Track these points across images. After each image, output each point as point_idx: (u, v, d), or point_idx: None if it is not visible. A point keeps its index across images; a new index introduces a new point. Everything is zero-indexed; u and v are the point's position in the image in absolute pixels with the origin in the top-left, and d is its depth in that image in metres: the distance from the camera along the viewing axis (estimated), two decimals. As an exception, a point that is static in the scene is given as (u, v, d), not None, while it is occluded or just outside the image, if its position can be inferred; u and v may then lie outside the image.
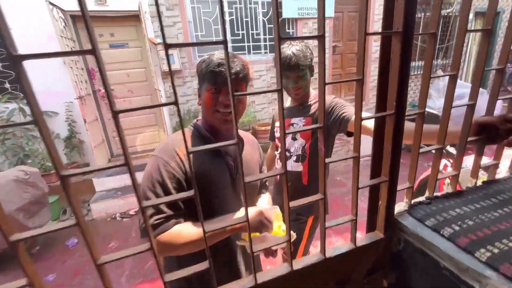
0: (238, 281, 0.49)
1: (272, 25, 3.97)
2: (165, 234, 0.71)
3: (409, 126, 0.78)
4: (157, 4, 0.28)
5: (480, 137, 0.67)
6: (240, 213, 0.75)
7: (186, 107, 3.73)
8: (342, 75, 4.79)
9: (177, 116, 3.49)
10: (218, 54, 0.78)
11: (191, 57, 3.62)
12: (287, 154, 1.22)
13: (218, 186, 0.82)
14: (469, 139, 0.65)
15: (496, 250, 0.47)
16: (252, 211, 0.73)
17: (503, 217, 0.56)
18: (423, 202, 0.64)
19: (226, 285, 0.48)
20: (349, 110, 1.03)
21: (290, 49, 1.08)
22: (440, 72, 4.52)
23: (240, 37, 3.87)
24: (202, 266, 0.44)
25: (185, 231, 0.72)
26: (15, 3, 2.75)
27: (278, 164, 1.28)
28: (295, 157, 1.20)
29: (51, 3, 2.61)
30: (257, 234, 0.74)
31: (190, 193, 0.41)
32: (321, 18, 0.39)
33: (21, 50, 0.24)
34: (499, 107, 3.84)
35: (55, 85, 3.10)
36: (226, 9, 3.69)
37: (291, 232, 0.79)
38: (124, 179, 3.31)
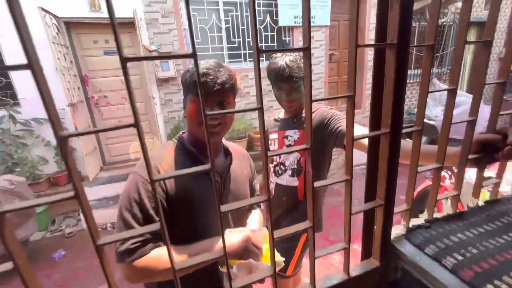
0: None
1: (268, 33, 3.97)
2: (142, 259, 0.65)
3: (405, 145, 0.74)
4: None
5: (480, 155, 0.62)
6: (227, 238, 0.69)
7: (181, 115, 3.68)
8: (339, 82, 4.80)
9: (172, 123, 3.42)
10: (203, 64, 0.74)
11: (187, 64, 3.59)
12: (282, 167, 1.17)
13: (202, 205, 0.76)
14: (470, 156, 0.61)
15: (504, 287, 0.42)
16: (238, 238, 0.67)
17: (509, 244, 0.51)
18: (422, 225, 0.59)
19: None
20: (345, 123, 0.99)
21: (283, 59, 1.05)
22: (435, 81, 4.54)
23: (236, 45, 3.87)
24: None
25: (165, 256, 0.66)
26: (5, 9, 2.71)
27: (272, 178, 1.23)
28: (290, 171, 1.15)
29: (43, 10, 2.57)
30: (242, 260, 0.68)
31: (156, 226, 0.35)
32: (306, 28, 0.35)
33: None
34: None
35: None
36: (222, 17, 3.69)
37: (279, 259, 0.74)
38: (116, 188, 3.23)
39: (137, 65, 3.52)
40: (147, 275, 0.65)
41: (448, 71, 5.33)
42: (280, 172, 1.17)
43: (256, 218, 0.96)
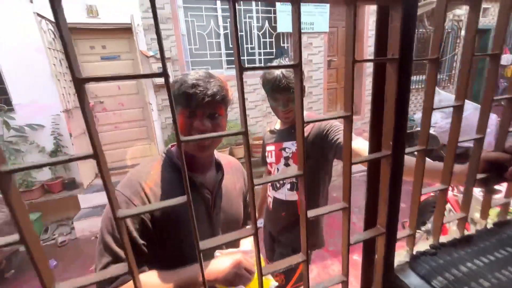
0: None
1: (266, 39, 3.96)
2: (124, 286, 0.60)
3: (406, 160, 0.70)
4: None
5: (488, 175, 0.58)
6: (216, 262, 0.64)
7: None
8: (338, 89, 4.78)
9: (169, 130, 3.37)
10: (193, 74, 0.69)
11: (185, 70, 3.57)
12: (280, 181, 1.12)
13: (191, 224, 0.71)
14: (478, 176, 0.56)
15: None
16: (227, 263, 0.62)
17: (524, 277, 0.47)
18: (428, 252, 0.54)
19: None
20: (342, 134, 0.95)
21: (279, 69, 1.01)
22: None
23: (235, 51, 3.85)
24: None
25: (150, 283, 0.61)
26: (1, 14, 2.70)
27: (270, 192, 1.18)
28: (289, 185, 1.10)
29: (39, 15, 2.55)
30: None
31: (122, 270, 0.31)
32: (297, 43, 0.31)
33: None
34: (494, 122, 3.82)
35: (42, 97, 3.00)
36: (221, 23, 3.68)
37: (273, 283, 0.69)
38: (111, 195, 3.16)
39: (134, 70, 3.50)
40: None
41: (447, 77, 5.33)
42: (278, 185, 1.13)
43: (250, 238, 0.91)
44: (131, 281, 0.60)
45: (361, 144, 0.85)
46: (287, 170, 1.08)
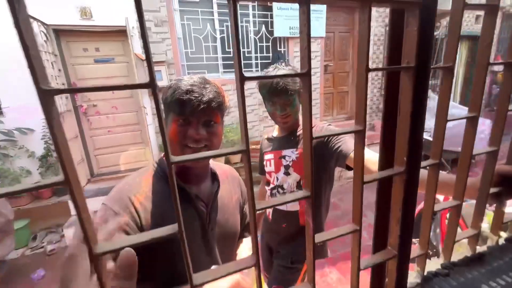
0: None
1: (263, 44, 3.95)
2: None
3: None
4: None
5: (501, 189, 0.55)
6: (212, 284, 0.59)
7: (173, 125, 3.59)
8: (334, 93, 4.79)
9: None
10: (187, 79, 0.65)
11: (180, 74, 3.52)
12: (280, 191, 1.07)
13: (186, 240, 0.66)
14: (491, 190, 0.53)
15: None
16: (225, 284, 0.57)
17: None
18: (440, 273, 0.51)
19: None
20: (346, 143, 0.91)
21: (276, 72, 0.98)
22: (430, 93, 4.56)
23: (231, 55, 3.82)
24: None
25: None
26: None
27: (269, 200, 1.13)
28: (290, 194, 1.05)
29: (31, 17, 2.48)
30: None
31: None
32: (305, 50, 0.27)
33: None
34: (488, 127, 3.85)
35: (32, 100, 2.92)
36: (217, 26, 3.66)
37: None
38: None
39: (128, 73, 3.44)
40: None
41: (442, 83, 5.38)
42: (278, 196, 1.08)
43: (247, 249, 0.87)
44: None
45: (368, 155, 0.82)
46: (287, 179, 1.04)
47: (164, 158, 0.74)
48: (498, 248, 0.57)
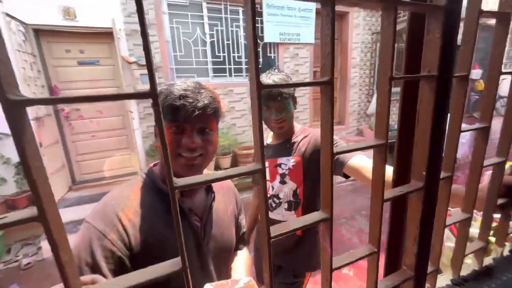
0: None
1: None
2: None
3: None
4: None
5: (507, 200, 0.54)
6: None
7: (161, 129, 3.48)
8: (323, 99, 4.84)
9: (151, 139, 3.21)
10: (180, 84, 0.61)
11: (169, 77, 3.44)
12: (276, 200, 1.03)
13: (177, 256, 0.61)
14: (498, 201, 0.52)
15: None
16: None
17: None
18: (451, 290, 0.48)
19: None
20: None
21: (270, 77, 0.95)
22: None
23: (221, 59, 3.79)
24: None
25: None
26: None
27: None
28: (286, 204, 1.01)
29: (8, 15, 2.35)
30: None
31: None
32: (328, 55, 0.24)
33: None
34: (468, 133, 4.01)
35: (9, 103, 2.74)
36: (207, 30, 3.62)
37: None
38: (85, 210, 2.91)
39: (114, 77, 3.32)
40: None
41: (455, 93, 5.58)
42: (274, 205, 1.04)
43: (242, 262, 0.82)
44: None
45: (364, 162, 0.80)
46: (283, 188, 1.00)
47: (153, 168, 0.69)
48: (504, 260, 0.56)
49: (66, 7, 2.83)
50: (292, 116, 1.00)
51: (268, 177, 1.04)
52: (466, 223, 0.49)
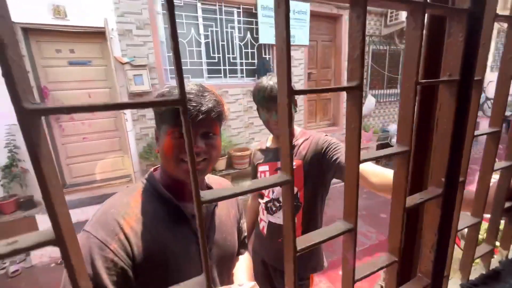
0: None
1: (248, 50, 3.94)
2: None
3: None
4: None
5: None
6: None
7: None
8: (317, 100, 4.87)
9: (145, 141, 3.15)
10: None
11: (163, 78, 3.39)
12: (276, 204, 1.02)
13: (181, 265, 0.59)
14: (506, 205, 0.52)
15: None
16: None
17: None
18: (462, 295, 0.48)
19: None
20: (344, 154, 0.89)
21: (271, 79, 0.94)
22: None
23: (216, 60, 3.77)
24: None
25: None
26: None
27: (264, 216, 1.08)
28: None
29: (-5, 13, 2.26)
30: None
31: None
32: (358, 57, 0.23)
33: None
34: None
35: (-5, 104, 2.64)
36: (202, 31, 3.59)
37: None
38: (75, 214, 2.83)
39: (106, 77, 3.25)
40: None
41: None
42: (274, 209, 1.03)
43: (244, 267, 0.80)
44: None
45: (368, 166, 0.79)
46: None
47: (154, 173, 0.66)
48: (510, 263, 0.56)
49: (56, 6, 2.75)
50: (292, 118, 0.99)
51: (269, 180, 1.03)
52: (475, 227, 0.48)
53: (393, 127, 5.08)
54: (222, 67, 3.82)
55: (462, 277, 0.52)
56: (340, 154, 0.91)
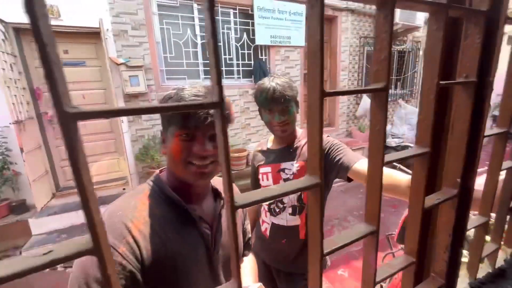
0: None
1: (245, 51, 3.94)
2: None
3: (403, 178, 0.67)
4: None
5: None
6: None
7: (151, 133, 3.39)
8: (313, 101, 4.90)
9: (140, 143, 3.10)
10: (189, 88, 0.58)
11: (159, 79, 3.36)
12: (280, 205, 1.02)
13: (189, 267, 0.58)
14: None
15: None
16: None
17: None
18: (471, 294, 0.49)
19: None
20: (347, 154, 0.89)
21: (273, 81, 0.94)
22: (401, 102, 4.87)
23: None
24: None
25: None
26: None
27: (267, 217, 1.07)
28: (291, 209, 1.00)
29: (-14, 13, 2.21)
30: None
31: None
32: (386, 59, 0.23)
33: None
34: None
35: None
36: (198, 32, 3.58)
37: None
38: (70, 218, 2.78)
39: (101, 78, 3.20)
40: None
41: (409, 92, 5.78)
42: (277, 210, 1.02)
43: (248, 268, 0.80)
44: None
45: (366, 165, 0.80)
46: None
47: (160, 175, 0.65)
48: (514, 261, 0.57)
49: (49, 5, 2.70)
50: (295, 119, 0.99)
51: (270, 182, 1.02)
52: (483, 227, 0.49)
53: (388, 127, 5.14)
54: (218, 68, 3.81)
55: (469, 276, 0.53)
56: (343, 154, 0.91)
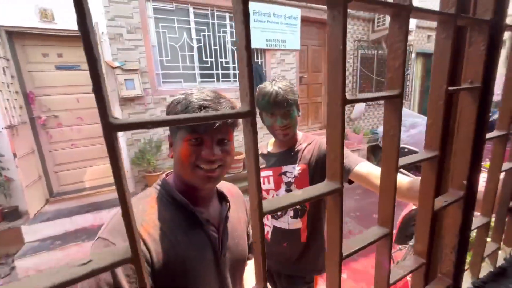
0: None
1: (241, 54, 3.95)
2: None
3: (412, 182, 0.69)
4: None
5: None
6: None
7: (147, 137, 3.36)
8: (309, 104, 4.94)
9: (136, 147, 3.07)
10: (198, 93, 0.58)
11: (155, 83, 3.35)
12: None
13: (198, 270, 0.58)
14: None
15: None
16: None
17: None
18: (475, 294, 0.50)
19: None
20: (348, 157, 0.90)
21: (275, 84, 0.95)
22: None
23: (209, 65, 3.76)
24: None
25: None
26: None
27: (268, 221, 1.07)
28: (292, 212, 1.01)
29: (-22, 16, 2.17)
30: None
31: None
32: (401, 66, 0.23)
33: None
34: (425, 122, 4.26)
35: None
36: (194, 35, 3.58)
37: None
38: (64, 224, 2.72)
39: (96, 82, 3.17)
40: None
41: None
42: (279, 214, 1.03)
43: (251, 272, 0.80)
44: None
45: (370, 168, 0.81)
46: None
47: (167, 178, 0.65)
48: (514, 260, 0.58)
49: (43, 9, 2.67)
50: (296, 123, 1.00)
51: (272, 186, 1.02)
52: (485, 227, 0.50)
53: (379, 129, 5.22)
54: (214, 72, 3.82)
55: (472, 275, 0.54)
56: (345, 157, 0.92)
